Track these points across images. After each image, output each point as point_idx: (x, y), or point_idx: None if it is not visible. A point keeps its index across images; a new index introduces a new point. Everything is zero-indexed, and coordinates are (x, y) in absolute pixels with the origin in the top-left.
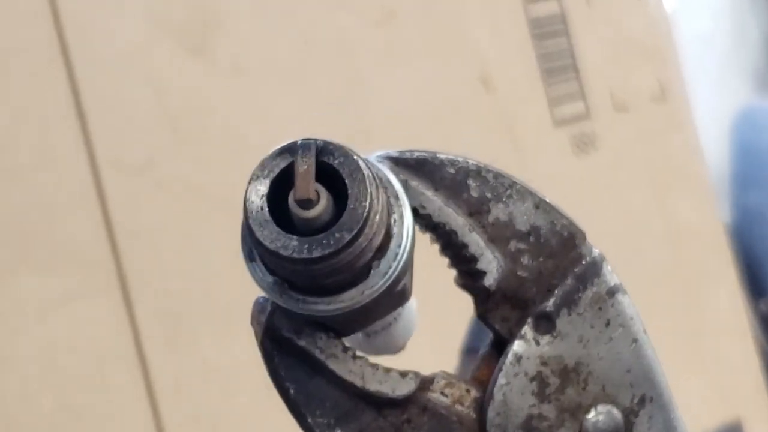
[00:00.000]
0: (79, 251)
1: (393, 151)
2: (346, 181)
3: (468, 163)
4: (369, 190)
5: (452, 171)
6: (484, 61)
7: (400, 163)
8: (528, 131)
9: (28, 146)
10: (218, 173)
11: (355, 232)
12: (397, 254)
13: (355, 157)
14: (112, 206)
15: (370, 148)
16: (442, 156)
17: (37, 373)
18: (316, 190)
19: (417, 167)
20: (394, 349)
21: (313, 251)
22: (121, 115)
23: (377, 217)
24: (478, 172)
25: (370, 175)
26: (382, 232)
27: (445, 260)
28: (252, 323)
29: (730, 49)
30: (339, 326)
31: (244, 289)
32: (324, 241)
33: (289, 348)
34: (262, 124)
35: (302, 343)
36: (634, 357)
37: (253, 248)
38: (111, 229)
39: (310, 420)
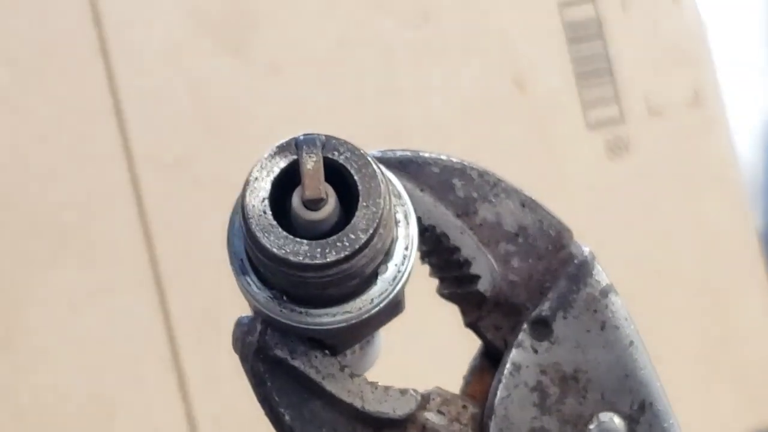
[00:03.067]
0: (115, 246)
1: (375, 151)
2: (356, 178)
3: (452, 161)
4: (382, 187)
5: (437, 170)
6: (519, 63)
7: (383, 163)
8: (562, 134)
9: (67, 142)
10: None
11: (371, 232)
12: (404, 257)
13: (362, 151)
14: (147, 202)
15: (406, 148)
16: (426, 155)
17: (72, 365)
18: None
19: (401, 167)
20: (364, 369)
21: (327, 255)
22: (158, 112)
23: (390, 216)
24: (463, 171)
25: (380, 170)
26: (391, 233)
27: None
28: (235, 346)
29: (767, 54)
30: (337, 342)
31: None
32: (338, 244)
33: (283, 369)
34: (297, 122)
35: (297, 363)
36: (631, 361)
37: (250, 258)
38: (146, 224)
39: None
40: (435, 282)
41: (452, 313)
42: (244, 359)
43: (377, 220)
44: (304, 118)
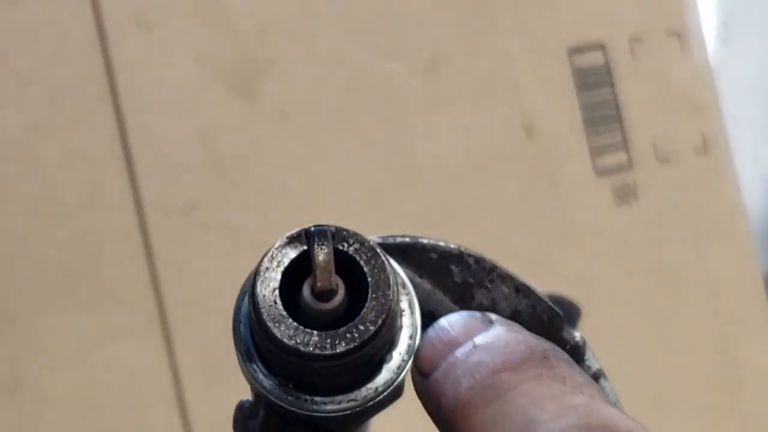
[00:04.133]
0: (122, 290)
1: (375, 237)
2: (365, 269)
3: (450, 247)
4: (390, 278)
5: (435, 256)
6: (528, 109)
7: (383, 249)
8: (570, 180)
9: (75, 185)
10: (263, 217)
11: (380, 323)
12: (409, 346)
13: (371, 243)
14: (156, 247)
15: (415, 195)
16: (425, 241)
17: (77, 410)
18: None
19: (400, 253)
20: None
21: (337, 346)
22: (168, 158)
23: (397, 306)
24: (460, 257)
25: (388, 262)
26: (397, 323)
27: None
28: (235, 429)
29: None
30: (338, 428)
31: None
32: (348, 335)
33: None
34: (307, 169)
35: None
36: None
37: (256, 344)
38: (154, 269)
39: None
40: None
41: None
42: None
43: (386, 312)
44: (314, 164)
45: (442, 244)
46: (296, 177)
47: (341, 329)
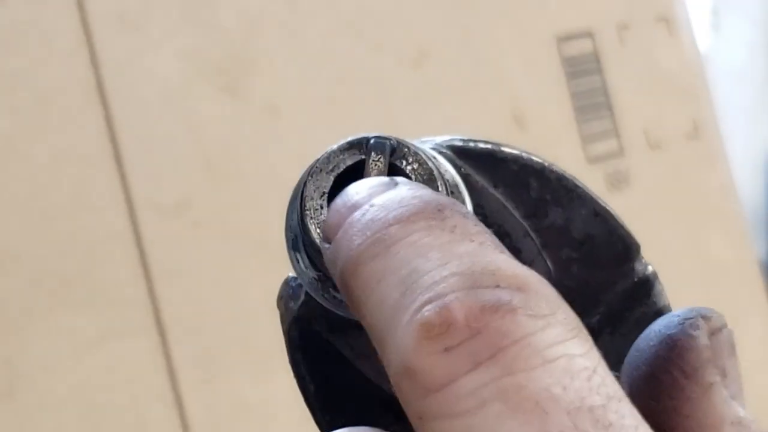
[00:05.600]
0: (116, 291)
1: (457, 139)
2: None
3: (533, 160)
4: None
5: (515, 168)
6: (518, 99)
7: (463, 154)
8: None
9: (65, 186)
10: (254, 213)
11: None
12: None
13: (430, 164)
14: (148, 246)
15: None
16: (507, 150)
17: (74, 412)
18: None
19: (479, 159)
20: None
21: None
22: (158, 156)
23: None
24: (542, 172)
25: (445, 187)
26: None
27: None
28: (278, 304)
29: (764, 84)
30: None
31: (279, 329)
32: None
33: (317, 341)
34: (297, 164)
35: (333, 338)
36: None
37: (302, 240)
38: (147, 269)
39: (327, 417)
40: None
41: None
42: (282, 321)
43: None
44: (304, 159)
45: (525, 155)
46: (287, 173)
47: None
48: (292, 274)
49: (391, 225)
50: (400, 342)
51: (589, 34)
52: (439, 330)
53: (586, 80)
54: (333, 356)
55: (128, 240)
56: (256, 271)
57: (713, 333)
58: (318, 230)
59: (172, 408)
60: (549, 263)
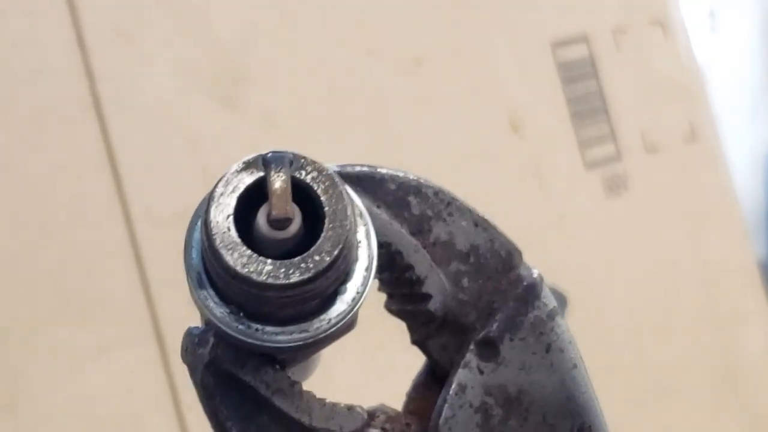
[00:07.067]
0: (115, 302)
1: (333, 165)
2: (323, 199)
3: (408, 178)
4: (348, 209)
5: (393, 187)
6: (514, 105)
7: (341, 177)
8: (559, 174)
9: (64, 200)
10: None
11: (335, 254)
12: (364, 278)
13: (329, 172)
14: (146, 258)
15: None
16: (383, 171)
17: (74, 424)
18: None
19: (358, 183)
20: (305, 378)
21: (290, 276)
22: (154, 168)
23: (354, 237)
24: (419, 189)
25: (346, 192)
26: (353, 255)
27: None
28: (184, 356)
29: (762, 86)
30: (288, 357)
31: None
32: (302, 265)
33: (232, 383)
34: None
35: (247, 378)
36: (573, 384)
37: (208, 272)
38: (146, 280)
39: None
40: (383, 296)
41: (398, 328)
42: (193, 370)
43: (342, 243)
44: None
45: (401, 174)
46: None
47: (296, 259)
48: (192, 325)
49: None
50: None
51: (584, 39)
52: None
53: (582, 85)
54: (251, 397)
55: (126, 252)
56: None
57: None
58: (230, 253)
59: (173, 417)
60: (442, 277)
